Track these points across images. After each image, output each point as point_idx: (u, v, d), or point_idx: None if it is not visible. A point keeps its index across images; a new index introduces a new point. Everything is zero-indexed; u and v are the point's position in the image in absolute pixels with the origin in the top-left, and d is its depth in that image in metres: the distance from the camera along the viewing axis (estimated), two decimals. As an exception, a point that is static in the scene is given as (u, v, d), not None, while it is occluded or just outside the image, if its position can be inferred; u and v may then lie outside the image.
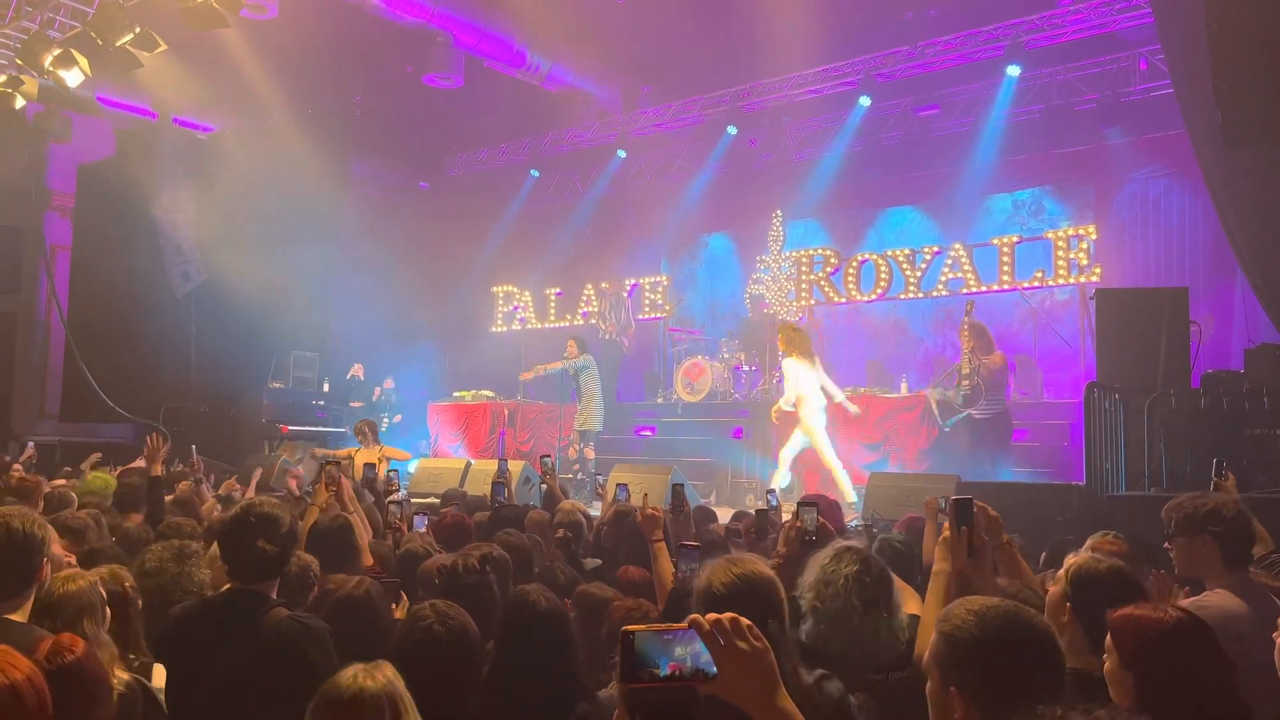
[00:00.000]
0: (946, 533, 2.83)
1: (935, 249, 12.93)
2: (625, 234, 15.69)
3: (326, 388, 14.40)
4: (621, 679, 1.45)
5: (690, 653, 1.45)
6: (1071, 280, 11.85)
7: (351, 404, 14.53)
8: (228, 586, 2.99)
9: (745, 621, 1.50)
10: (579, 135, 15.62)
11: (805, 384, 9.81)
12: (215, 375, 14.05)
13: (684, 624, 1.47)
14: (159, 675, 3.03)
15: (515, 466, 9.22)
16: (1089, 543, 3.69)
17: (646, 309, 15.28)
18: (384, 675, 2.00)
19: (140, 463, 9.12)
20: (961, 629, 1.97)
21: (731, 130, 13.77)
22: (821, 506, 5.74)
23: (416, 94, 14.53)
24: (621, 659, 1.43)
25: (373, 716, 1.90)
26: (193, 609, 3.00)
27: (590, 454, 11.91)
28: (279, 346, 13.99)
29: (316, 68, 13.36)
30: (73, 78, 11.54)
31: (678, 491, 4.75)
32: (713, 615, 1.49)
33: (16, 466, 9.58)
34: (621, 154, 14.98)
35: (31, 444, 12.94)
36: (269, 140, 13.82)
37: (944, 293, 12.80)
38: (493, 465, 8.36)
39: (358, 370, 14.95)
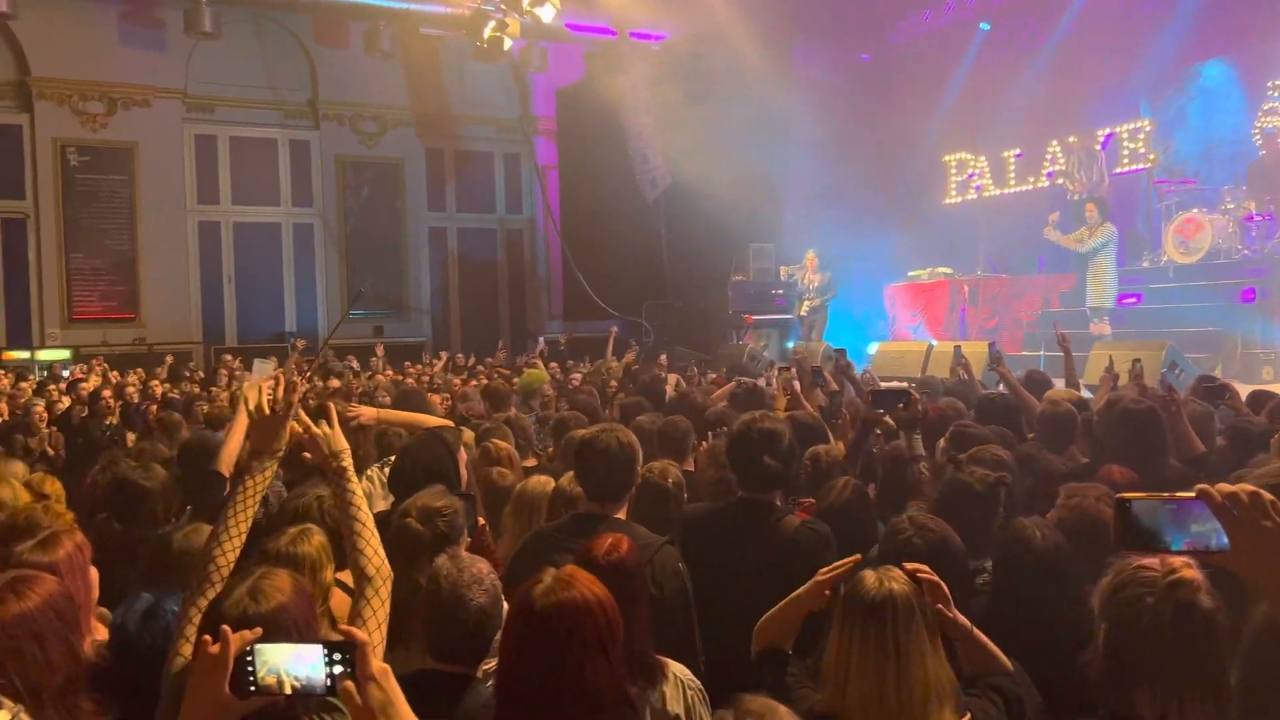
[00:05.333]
0: None
1: None
2: (1094, 78, 13.87)
3: (784, 275, 14.87)
4: (1119, 545, 1.49)
5: (1206, 530, 1.42)
6: None
7: (806, 290, 14.86)
8: (740, 495, 3.23)
9: (1267, 496, 1.41)
10: (1035, -27, 14.07)
11: None
12: (684, 272, 15.23)
13: (1191, 494, 1.44)
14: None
15: (976, 349, 8.77)
16: None
17: (1125, 160, 13.55)
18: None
19: (631, 356, 10.32)
20: None
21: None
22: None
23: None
24: (1118, 527, 1.45)
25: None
26: (705, 511, 3.30)
27: (1105, 329, 11.13)
28: (738, 240, 14.69)
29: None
30: (546, 12, 12.98)
31: (1163, 378, 4.18)
32: (1224, 485, 1.43)
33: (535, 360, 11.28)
34: (1087, -15, 13.25)
35: (541, 340, 15.12)
36: (715, 39, 14.29)
37: None
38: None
39: (811, 257, 15.22)
